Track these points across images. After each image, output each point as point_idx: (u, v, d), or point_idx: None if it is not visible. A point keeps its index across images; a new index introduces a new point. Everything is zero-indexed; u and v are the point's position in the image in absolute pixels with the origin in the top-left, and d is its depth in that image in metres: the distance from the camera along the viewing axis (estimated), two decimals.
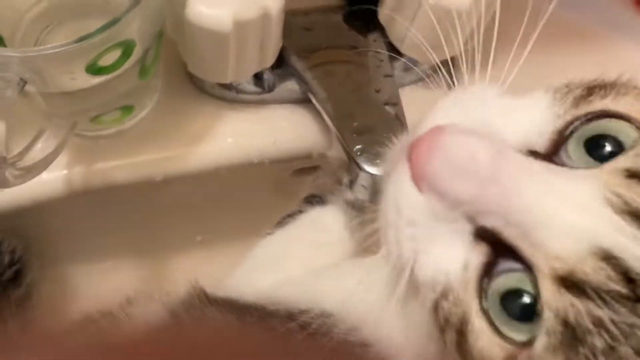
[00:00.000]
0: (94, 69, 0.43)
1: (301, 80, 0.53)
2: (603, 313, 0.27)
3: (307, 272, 0.50)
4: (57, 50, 0.40)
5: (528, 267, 0.30)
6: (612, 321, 0.26)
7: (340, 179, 0.55)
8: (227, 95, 0.56)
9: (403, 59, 0.55)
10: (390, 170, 0.34)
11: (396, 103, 0.51)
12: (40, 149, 0.45)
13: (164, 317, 0.44)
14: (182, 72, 0.57)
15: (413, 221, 0.31)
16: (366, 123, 0.50)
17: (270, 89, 0.55)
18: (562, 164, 0.32)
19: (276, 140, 0.56)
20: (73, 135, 0.49)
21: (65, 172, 0.53)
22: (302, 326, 0.40)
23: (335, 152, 0.56)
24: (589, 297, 0.27)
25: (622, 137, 0.32)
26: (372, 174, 0.48)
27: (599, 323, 0.27)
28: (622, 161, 0.30)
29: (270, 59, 0.52)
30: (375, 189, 0.49)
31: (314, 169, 0.59)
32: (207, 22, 0.46)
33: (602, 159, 0.31)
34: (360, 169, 0.48)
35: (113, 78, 0.46)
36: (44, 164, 0.45)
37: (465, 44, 0.55)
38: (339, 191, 0.54)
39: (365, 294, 0.37)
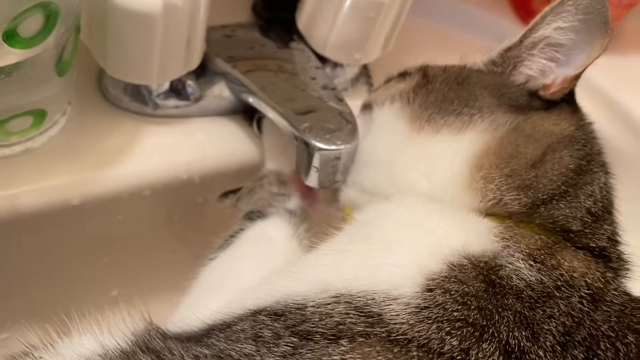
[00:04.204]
0: (12, 37, 0.39)
1: (232, 80, 0.51)
2: None
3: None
4: None
5: None
6: None
7: (278, 190, 0.52)
8: (145, 110, 0.52)
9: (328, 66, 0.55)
10: None
11: (334, 88, 0.50)
12: None
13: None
14: (96, 88, 0.52)
15: None
16: (308, 104, 0.48)
17: (197, 99, 0.52)
18: None
19: (206, 154, 0.52)
20: None
21: None
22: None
23: (271, 165, 0.53)
24: None
25: None
26: (321, 151, 0.45)
27: None
28: None
29: (196, 60, 0.50)
30: (327, 167, 0.46)
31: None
32: (135, 4, 0.44)
33: None
34: (310, 147, 0.45)
35: (30, 61, 0.41)
36: None
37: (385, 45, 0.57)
38: (279, 202, 0.51)
39: None
